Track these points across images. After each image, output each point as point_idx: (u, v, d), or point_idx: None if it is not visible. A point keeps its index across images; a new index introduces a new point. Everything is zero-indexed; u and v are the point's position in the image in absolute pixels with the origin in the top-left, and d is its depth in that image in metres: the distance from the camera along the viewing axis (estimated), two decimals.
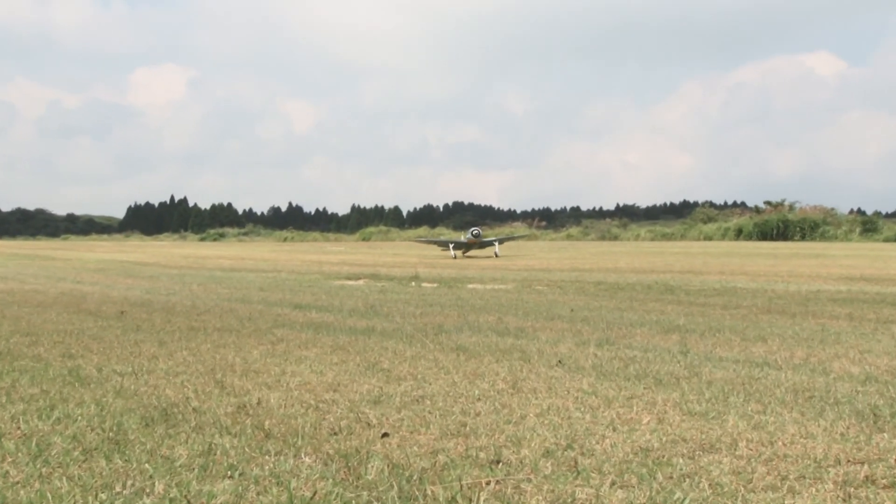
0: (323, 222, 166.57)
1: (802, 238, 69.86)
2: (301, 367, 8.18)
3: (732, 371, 7.82)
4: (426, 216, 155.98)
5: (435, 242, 43.50)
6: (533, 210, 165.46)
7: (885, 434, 5.61)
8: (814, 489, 4.59)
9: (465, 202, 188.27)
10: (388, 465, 4.97)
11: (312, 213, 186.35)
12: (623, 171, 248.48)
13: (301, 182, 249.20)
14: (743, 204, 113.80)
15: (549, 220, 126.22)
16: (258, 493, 4.55)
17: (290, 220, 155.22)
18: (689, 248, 51.42)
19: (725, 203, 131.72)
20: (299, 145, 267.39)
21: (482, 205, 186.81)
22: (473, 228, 39.29)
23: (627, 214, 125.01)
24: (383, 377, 7.60)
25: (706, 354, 8.85)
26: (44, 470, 4.94)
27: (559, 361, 8.35)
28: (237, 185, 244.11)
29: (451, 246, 38.63)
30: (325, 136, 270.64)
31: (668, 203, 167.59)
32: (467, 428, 5.81)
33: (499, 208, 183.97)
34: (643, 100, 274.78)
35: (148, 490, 4.60)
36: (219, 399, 6.71)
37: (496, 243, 39.22)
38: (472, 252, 40.48)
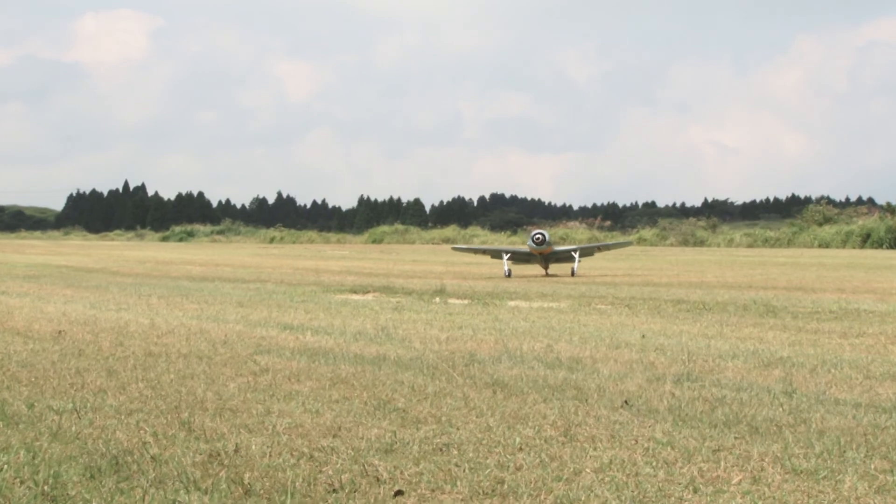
0: (322, 218, 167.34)
1: None
2: (291, 404, 8.24)
3: (851, 418, 7.81)
4: (456, 212, 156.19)
5: (483, 251, 40.78)
6: (595, 206, 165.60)
7: None
8: None
9: (507, 194, 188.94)
10: None
11: (308, 206, 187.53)
12: (715, 156, 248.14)
13: (295, 166, 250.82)
14: (871, 201, 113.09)
15: (616, 218, 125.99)
16: None
17: (279, 216, 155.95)
18: (798, 257, 51.18)
19: (848, 199, 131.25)
20: (294, 118, 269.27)
21: (529, 198, 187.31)
22: (536, 232, 35.45)
23: (718, 213, 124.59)
24: (397, 419, 7.65)
25: (817, 396, 8.83)
26: None
27: (625, 402, 8.37)
28: (211, 168, 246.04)
29: (504, 256, 35.50)
30: (328, 106, 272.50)
31: (773, 198, 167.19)
32: (505, 486, 5.84)
33: (551, 203, 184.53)
34: (744, 62, 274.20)
35: None
36: (185, 445, 6.78)
37: (575, 255, 35.34)
38: (534, 266, 36.37)
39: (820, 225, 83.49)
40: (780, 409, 8.11)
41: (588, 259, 40.31)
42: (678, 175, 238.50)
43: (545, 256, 35.19)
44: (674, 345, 12.59)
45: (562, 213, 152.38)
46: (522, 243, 45.15)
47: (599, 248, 40.87)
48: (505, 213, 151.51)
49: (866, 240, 73.64)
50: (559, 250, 36.16)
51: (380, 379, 9.59)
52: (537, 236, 34.52)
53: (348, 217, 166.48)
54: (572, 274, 33.72)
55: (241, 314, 16.81)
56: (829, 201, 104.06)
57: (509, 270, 34.41)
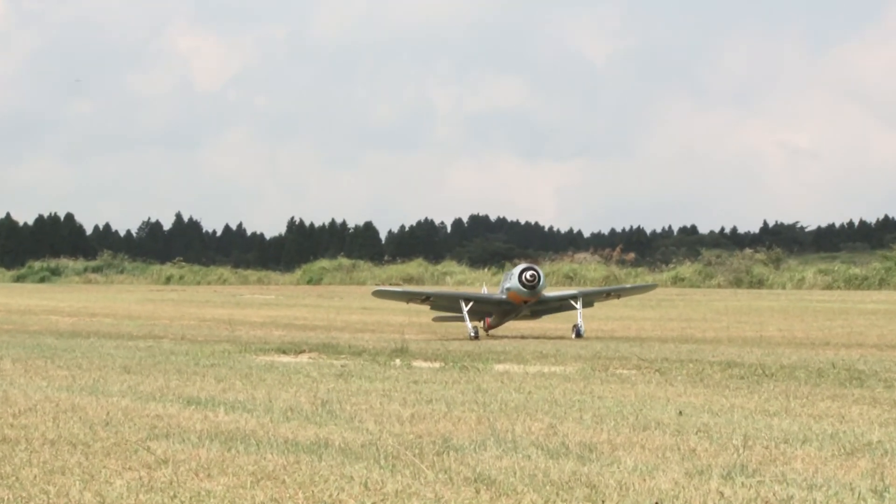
0: (238, 250, 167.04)
1: None
2: None
3: None
4: (423, 241, 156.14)
5: (425, 297, 36.33)
6: (613, 232, 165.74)
7: None
8: None
9: (493, 216, 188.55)
10: None
11: (219, 232, 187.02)
12: (782, 163, 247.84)
13: (202, 176, 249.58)
14: None
15: (642, 249, 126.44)
16: None
17: (178, 246, 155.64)
18: (893, 303, 51.44)
19: None
20: (202, 111, 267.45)
21: (523, 221, 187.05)
22: (526, 267, 32.73)
23: (784, 242, 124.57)
24: None
25: None
26: None
27: (656, 503, 8.45)
28: (85, 180, 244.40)
29: (464, 306, 32.53)
30: (247, 94, 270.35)
31: (858, 221, 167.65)
32: None
33: (554, 228, 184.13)
34: (820, 38, 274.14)
35: None
36: None
37: (577, 304, 32.99)
38: (524, 320, 35.06)
39: None
40: None
41: (596, 307, 37.92)
42: (729, 190, 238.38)
43: (529, 307, 33.18)
44: (722, 425, 12.68)
45: (568, 242, 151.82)
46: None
47: (608, 295, 37.00)
48: (489, 241, 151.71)
49: None
50: (549, 297, 34.11)
51: (320, 473, 9.63)
52: (529, 273, 31.96)
53: (274, 248, 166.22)
54: (578, 334, 31.59)
55: (127, 384, 16.80)
56: None
57: (475, 329, 32.20)
